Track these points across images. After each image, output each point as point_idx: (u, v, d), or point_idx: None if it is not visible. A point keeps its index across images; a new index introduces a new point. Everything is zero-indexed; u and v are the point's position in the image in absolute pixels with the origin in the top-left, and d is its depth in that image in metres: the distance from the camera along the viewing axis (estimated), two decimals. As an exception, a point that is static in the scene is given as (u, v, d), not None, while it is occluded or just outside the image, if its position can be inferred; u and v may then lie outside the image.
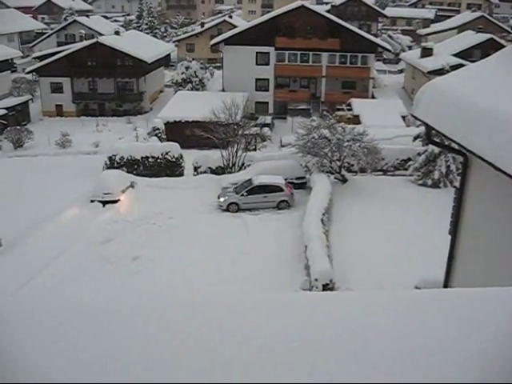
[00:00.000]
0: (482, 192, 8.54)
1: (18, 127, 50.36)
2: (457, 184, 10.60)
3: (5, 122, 51.47)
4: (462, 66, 39.50)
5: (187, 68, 63.05)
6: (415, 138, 35.39)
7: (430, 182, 32.56)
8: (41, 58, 64.65)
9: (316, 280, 21.07)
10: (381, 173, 35.36)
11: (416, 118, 9.19)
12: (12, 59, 73.03)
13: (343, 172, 33.57)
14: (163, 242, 26.67)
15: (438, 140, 11.49)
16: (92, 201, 31.92)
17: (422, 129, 30.37)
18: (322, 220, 25.90)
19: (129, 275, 23.52)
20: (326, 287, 21.06)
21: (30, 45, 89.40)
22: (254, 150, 40.98)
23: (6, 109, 54.05)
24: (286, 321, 2.73)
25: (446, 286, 10.88)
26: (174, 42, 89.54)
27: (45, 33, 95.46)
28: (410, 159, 35.19)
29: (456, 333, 2.63)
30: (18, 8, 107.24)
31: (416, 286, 18.58)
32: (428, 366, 2.39)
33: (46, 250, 25.76)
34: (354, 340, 2.57)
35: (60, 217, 30.14)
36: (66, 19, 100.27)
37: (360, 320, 2.73)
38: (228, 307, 2.93)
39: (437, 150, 31.83)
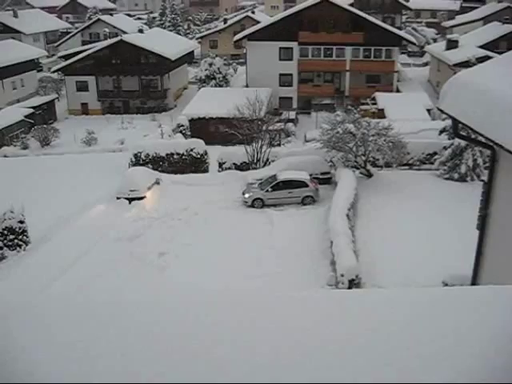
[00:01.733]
0: (511, 185, 8.43)
1: (45, 126, 51.05)
2: (484, 178, 10.48)
3: (32, 121, 52.21)
4: (488, 57, 38.96)
5: (211, 64, 63.21)
6: (441, 132, 35.00)
7: (456, 175, 32.19)
8: (66, 57, 65.39)
9: (342, 275, 21.01)
10: (406, 167, 35.07)
11: (442, 111, 9.10)
12: (38, 59, 73.98)
13: (368, 167, 33.36)
14: (189, 238, 26.81)
15: (464, 133, 11.36)
16: (118, 198, 32.20)
17: (448, 122, 30.04)
18: (347, 215, 25.78)
19: (155, 271, 23.70)
20: (352, 282, 21.00)
21: (55, 44, 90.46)
22: (279, 145, 40.93)
23: (33, 108, 54.82)
24: (315, 319, 2.75)
25: (474, 281, 10.78)
26: (197, 38, 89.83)
27: (69, 32, 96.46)
28: (435, 153, 34.84)
29: (483, 331, 2.62)
30: (42, 8, 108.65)
31: (443, 281, 18.45)
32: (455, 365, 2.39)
33: (73, 247, 26.08)
34: (375, 339, 2.58)
35: (86, 214, 30.48)
36: (90, 18, 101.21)
37: (381, 318, 2.73)
38: (254, 305, 2.95)
39: (463, 143, 31.44)
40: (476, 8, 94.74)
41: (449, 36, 68.43)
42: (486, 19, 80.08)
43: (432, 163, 34.77)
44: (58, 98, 63.08)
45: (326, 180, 33.10)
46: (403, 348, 2.49)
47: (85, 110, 61.28)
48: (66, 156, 44.68)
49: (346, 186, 29.30)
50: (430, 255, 22.65)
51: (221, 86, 61.63)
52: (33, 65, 70.78)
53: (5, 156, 46.18)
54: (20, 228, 26.64)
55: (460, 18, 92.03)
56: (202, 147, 37.36)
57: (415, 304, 2.90)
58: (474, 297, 3.01)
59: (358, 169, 33.15)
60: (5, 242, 26.51)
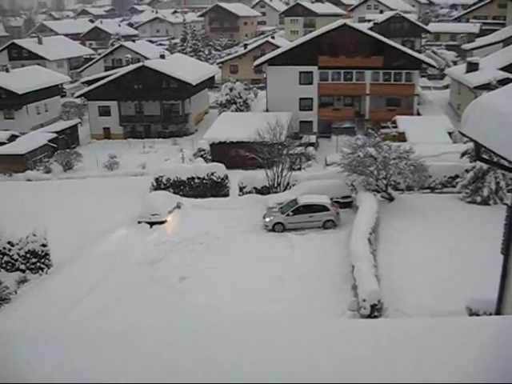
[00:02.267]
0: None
1: (68, 150, 51.71)
2: (508, 201, 10.36)
3: (55, 146, 52.93)
4: (509, 79, 38.76)
5: (231, 89, 63.73)
6: (463, 155, 34.77)
7: (479, 199, 31.88)
8: (89, 83, 66.44)
9: (364, 301, 20.80)
10: (428, 190, 34.81)
11: (464, 135, 9.06)
12: (61, 84, 75.23)
13: (390, 190, 33.21)
14: (210, 262, 26.81)
15: (486, 157, 11.28)
16: (139, 222, 32.38)
17: (470, 145, 29.89)
18: (369, 239, 25.62)
19: (176, 296, 23.70)
20: (374, 308, 20.77)
21: (79, 70, 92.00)
22: (299, 169, 40.96)
23: (56, 132, 55.62)
24: (333, 347, 2.75)
25: (498, 305, 10.61)
26: (217, 63, 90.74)
27: (92, 58, 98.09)
28: (457, 176, 34.57)
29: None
30: (66, 35, 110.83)
31: (468, 306, 18.19)
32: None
33: (94, 271, 26.21)
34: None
35: (108, 238, 30.68)
36: (112, 44, 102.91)
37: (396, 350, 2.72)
38: (274, 330, 2.96)
39: (485, 166, 31.19)
40: (496, 30, 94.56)
41: (469, 59, 68.29)
42: (506, 41, 79.78)
43: (454, 186, 34.51)
44: (80, 122, 63.97)
45: (347, 204, 32.99)
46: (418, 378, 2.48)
47: (107, 134, 61.99)
48: (88, 180, 45.16)
49: (367, 210, 29.17)
50: (453, 279, 22.39)
51: (241, 110, 62.04)
52: (57, 90, 71.99)
53: (28, 180, 46.81)
54: (42, 251, 26.92)
55: (480, 41, 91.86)
56: (222, 171, 37.54)
57: (430, 335, 2.89)
58: (491, 327, 2.99)
59: (379, 192, 33.01)
60: (27, 265, 26.82)
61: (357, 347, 2.73)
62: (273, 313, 20.57)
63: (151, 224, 32.04)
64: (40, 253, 26.84)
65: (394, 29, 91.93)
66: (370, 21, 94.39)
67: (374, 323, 3.80)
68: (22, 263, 26.80)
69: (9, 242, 26.93)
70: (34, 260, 26.81)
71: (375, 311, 20.78)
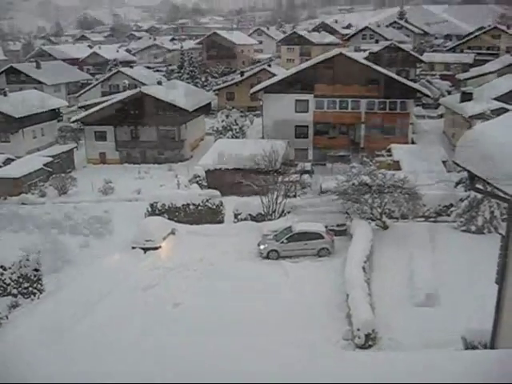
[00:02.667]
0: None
1: (63, 174, 51.68)
2: (502, 231, 10.38)
3: (50, 170, 52.92)
4: (503, 109, 39.15)
5: (227, 116, 64.11)
6: (457, 184, 34.95)
7: (473, 228, 31.95)
8: (86, 108, 66.71)
9: (358, 330, 20.74)
10: (423, 219, 34.88)
11: (458, 165, 9.13)
12: (59, 109, 75.48)
13: (384, 218, 33.28)
14: (204, 288, 26.69)
15: (480, 186, 11.35)
16: (133, 247, 32.28)
17: (464, 174, 30.04)
18: (363, 267, 25.61)
19: (169, 322, 23.51)
20: (368, 337, 20.70)
21: (76, 95, 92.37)
22: (294, 196, 41.01)
23: (52, 156, 55.65)
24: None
25: (493, 336, 10.58)
26: (214, 90, 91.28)
27: (90, 83, 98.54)
28: (452, 205, 34.68)
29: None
30: (65, 60, 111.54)
31: (463, 336, 18.10)
32: None
33: (86, 296, 26.02)
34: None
35: (102, 263, 30.52)
36: (110, 70, 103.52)
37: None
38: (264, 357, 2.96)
39: (480, 195, 31.33)
40: (490, 61, 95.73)
41: (463, 88, 68.99)
42: (500, 71, 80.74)
43: (448, 215, 34.59)
44: (76, 147, 64.02)
45: (342, 232, 33.00)
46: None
47: (103, 159, 62.06)
48: (82, 205, 45.06)
49: (361, 238, 29.19)
50: (448, 308, 22.33)
51: (237, 137, 62.29)
52: (53, 114, 72.19)
53: (23, 203, 46.68)
54: (35, 276, 26.75)
55: (474, 71, 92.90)
56: (217, 198, 37.59)
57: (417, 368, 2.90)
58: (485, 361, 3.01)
59: (373, 220, 33.07)
60: (19, 289, 26.60)
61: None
62: (269, 340, 20.43)
63: (145, 250, 31.94)
64: (32, 277, 26.67)
65: (389, 58, 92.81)
66: (365, 50, 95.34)
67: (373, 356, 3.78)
68: (14, 287, 26.59)
69: (1, 266, 26.74)
70: (26, 285, 26.62)
71: (369, 340, 20.71)
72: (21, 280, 26.63)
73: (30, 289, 26.71)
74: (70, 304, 25.25)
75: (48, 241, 32.88)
